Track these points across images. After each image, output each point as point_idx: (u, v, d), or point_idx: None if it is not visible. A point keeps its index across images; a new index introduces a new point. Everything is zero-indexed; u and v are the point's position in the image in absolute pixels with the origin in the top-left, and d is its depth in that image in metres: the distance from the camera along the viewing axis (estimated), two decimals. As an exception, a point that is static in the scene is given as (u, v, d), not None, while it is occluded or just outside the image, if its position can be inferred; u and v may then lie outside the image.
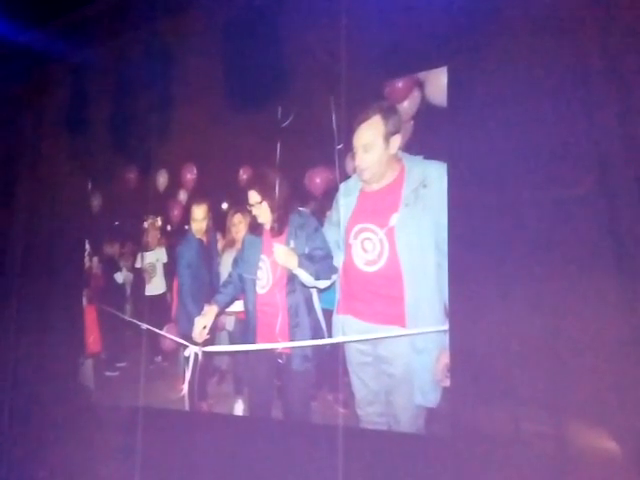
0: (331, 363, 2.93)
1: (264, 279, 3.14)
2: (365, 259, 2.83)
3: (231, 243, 3.52)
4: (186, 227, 3.73)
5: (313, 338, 3.00)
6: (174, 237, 3.84)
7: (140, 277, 3.97)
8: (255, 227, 3.24)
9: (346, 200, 2.94)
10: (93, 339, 4.17)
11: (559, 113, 2.35)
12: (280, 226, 3.12)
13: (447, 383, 2.57)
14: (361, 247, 2.85)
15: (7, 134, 4.60)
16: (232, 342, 3.53)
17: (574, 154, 2.31)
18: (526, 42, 2.44)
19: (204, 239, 3.66)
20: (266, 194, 3.13)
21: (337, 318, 2.95)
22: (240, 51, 3.34)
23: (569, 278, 2.28)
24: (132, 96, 3.92)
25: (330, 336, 2.99)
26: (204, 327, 3.22)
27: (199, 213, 3.64)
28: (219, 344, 3.52)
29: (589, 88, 2.29)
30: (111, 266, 4.16)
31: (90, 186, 4.31)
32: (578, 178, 2.30)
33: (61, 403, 4.08)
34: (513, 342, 2.37)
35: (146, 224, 3.95)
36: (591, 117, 2.29)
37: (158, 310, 3.84)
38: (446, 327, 2.57)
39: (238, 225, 3.46)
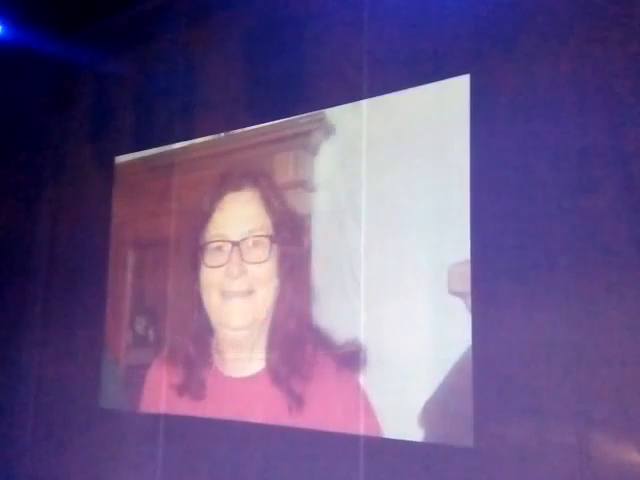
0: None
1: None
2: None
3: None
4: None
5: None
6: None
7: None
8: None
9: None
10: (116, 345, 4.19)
11: (583, 120, 2.33)
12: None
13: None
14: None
15: (32, 141, 4.66)
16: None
17: (599, 162, 2.28)
18: (549, 49, 2.43)
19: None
20: None
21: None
22: (261, 60, 3.36)
23: (594, 288, 2.25)
24: (155, 104, 3.95)
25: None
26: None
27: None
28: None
29: (614, 96, 2.26)
30: (135, 272, 4.17)
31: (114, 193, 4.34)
32: (603, 187, 2.27)
33: (83, 409, 4.11)
34: (537, 352, 2.34)
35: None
36: (616, 125, 2.26)
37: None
38: (469, 336, 2.55)
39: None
